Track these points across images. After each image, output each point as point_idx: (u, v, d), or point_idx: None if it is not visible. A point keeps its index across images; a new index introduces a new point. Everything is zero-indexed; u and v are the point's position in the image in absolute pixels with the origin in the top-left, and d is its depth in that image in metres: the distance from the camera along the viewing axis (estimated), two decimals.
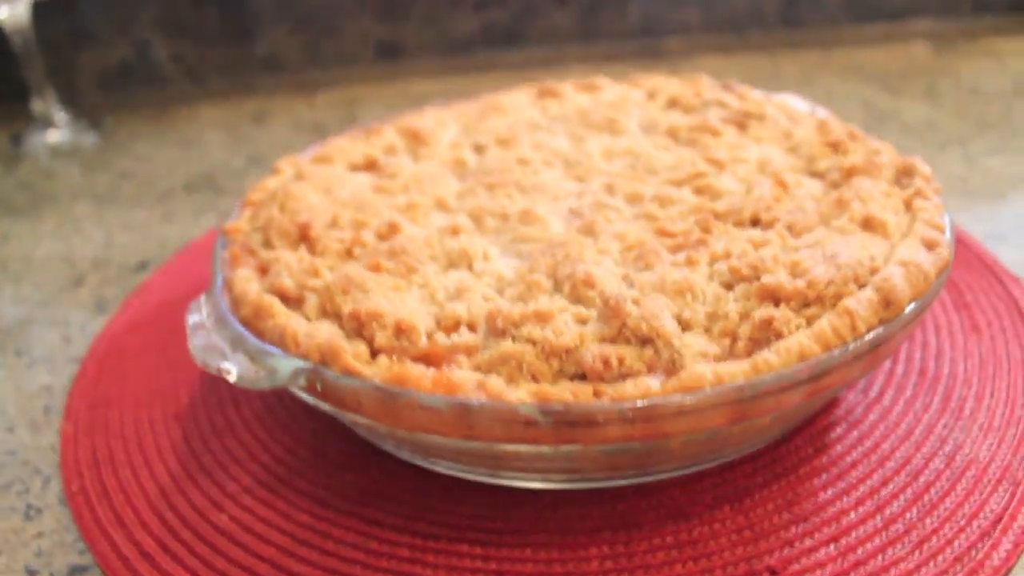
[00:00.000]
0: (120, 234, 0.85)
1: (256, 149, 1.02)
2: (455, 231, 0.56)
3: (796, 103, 0.75)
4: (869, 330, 0.46)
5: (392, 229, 0.57)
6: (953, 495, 0.49)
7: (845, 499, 0.49)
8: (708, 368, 0.44)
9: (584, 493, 0.50)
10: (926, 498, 0.49)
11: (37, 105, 1.07)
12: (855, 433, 0.54)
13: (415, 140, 0.71)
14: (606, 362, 0.44)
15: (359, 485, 0.52)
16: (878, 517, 0.48)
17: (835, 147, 0.63)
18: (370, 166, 0.68)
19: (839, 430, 0.54)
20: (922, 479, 0.50)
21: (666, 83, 0.79)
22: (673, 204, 0.58)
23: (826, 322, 0.46)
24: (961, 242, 0.70)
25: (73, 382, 0.63)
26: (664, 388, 0.43)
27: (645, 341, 0.45)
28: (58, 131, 1.07)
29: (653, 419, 0.42)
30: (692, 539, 0.47)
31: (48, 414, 0.61)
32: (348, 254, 0.55)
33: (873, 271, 0.48)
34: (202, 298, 0.53)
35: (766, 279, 0.48)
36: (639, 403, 0.42)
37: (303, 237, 0.57)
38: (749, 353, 0.45)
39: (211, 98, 1.16)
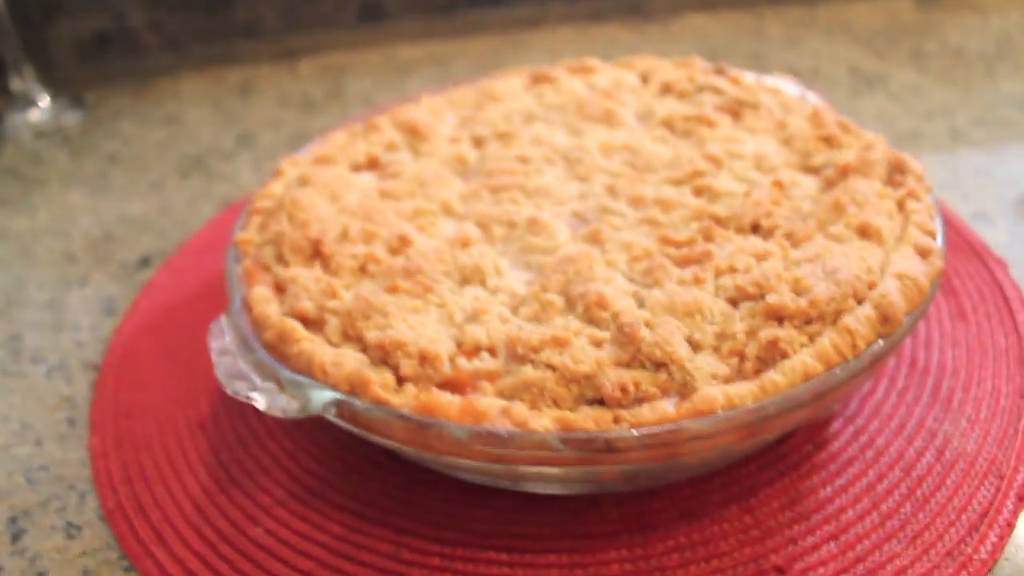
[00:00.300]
0: (117, 227, 0.85)
1: (244, 127, 1.02)
2: (465, 243, 0.58)
3: (788, 87, 0.76)
4: (868, 346, 0.49)
5: (403, 242, 0.58)
6: (944, 489, 0.52)
7: (844, 496, 0.53)
8: (719, 390, 0.47)
9: (601, 496, 0.54)
10: (919, 492, 0.52)
11: (15, 83, 1.05)
12: (851, 428, 0.57)
13: (414, 135, 0.71)
14: (624, 389, 0.46)
15: (387, 494, 0.55)
16: (875, 513, 0.51)
17: (828, 141, 0.65)
18: (372, 165, 0.69)
19: (836, 425, 0.57)
20: (914, 473, 0.54)
21: (659, 66, 0.80)
22: (675, 208, 0.60)
23: (828, 340, 0.48)
24: (948, 223, 0.72)
25: (93, 392, 0.65)
26: (679, 412, 0.46)
27: (659, 365, 0.48)
28: (39, 110, 1.06)
29: (670, 443, 0.45)
30: (704, 539, 0.51)
31: (73, 427, 0.62)
32: (363, 271, 0.57)
33: (871, 285, 0.51)
34: (223, 320, 0.54)
35: (771, 298, 0.50)
36: (657, 429, 0.45)
37: (316, 253, 0.58)
38: (757, 372, 0.48)
39: (192, 68, 1.15)
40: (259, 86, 1.11)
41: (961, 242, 0.71)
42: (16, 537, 0.54)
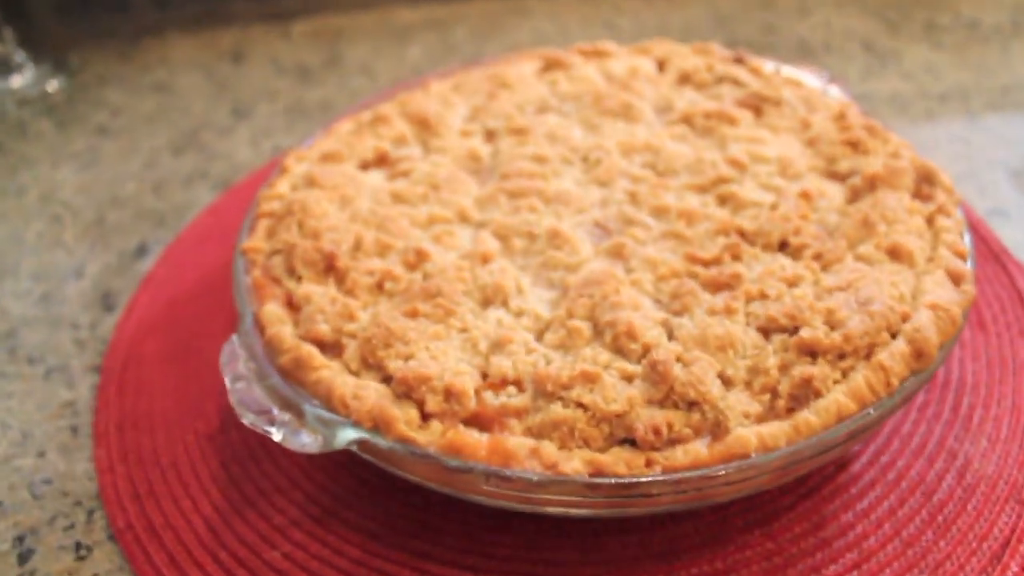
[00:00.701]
0: (111, 210, 0.82)
1: (238, 98, 0.98)
2: (485, 258, 0.56)
3: (809, 79, 0.74)
4: (902, 382, 0.48)
5: (420, 257, 0.56)
6: (965, 515, 0.52)
7: (866, 521, 0.52)
8: (752, 432, 0.46)
9: (625, 520, 0.53)
10: (940, 518, 0.52)
11: None
12: (872, 448, 0.56)
13: (424, 128, 0.69)
14: (657, 431, 0.45)
15: (406, 515, 0.54)
16: (897, 540, 0.51)
17: (855, 146, 0.63)
18: (381, 161, 0.67)
19: (857, 445, 0.57)
20: (936, 498, 0.53)
21: (676, 51, 0.77)
22: (699, 221, 0.58)
23: (861, 377, 0.48)
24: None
25: (96, 398, 0.63)
26: (712, 454, 0.45)
27: (692, 404, 0.47)
28: (21, 76, 1.01)
29: (703, 488, 0.45)
30: (727, 567, 0.51)
31: (76, 435, 0.61)
32: (379, 288, 0.55)
33: (904, 317, 0.50)
34: (235, 340, 0.52)
35: (804, 333, 0.49)
36: (691, 475, 0.44)
37: (330, 267, 0.56)
38: (790, 410, 0.47)
39: (181, 28, 1.10)
40: (252, 51, 1.06)
41: (979, 242, 0.70)
42: (24, 558, 0.53)
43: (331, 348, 0.52)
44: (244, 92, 0.99)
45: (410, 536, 0.53)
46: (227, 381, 0.50)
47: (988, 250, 0.70)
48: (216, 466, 0.58)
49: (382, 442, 0.47)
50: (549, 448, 0.46)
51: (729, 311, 0.51)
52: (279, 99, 0.97)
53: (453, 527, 0.53)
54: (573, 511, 0.46)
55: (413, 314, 0.52)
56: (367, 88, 0.98)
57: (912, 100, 0.91)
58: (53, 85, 1.01)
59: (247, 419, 0.48)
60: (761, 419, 0.47)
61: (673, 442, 0.46)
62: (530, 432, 0.47)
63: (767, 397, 0.48)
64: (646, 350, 0.49)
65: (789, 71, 0.75)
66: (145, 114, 0.96)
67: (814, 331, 0.49)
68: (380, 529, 0.53)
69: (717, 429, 0.46)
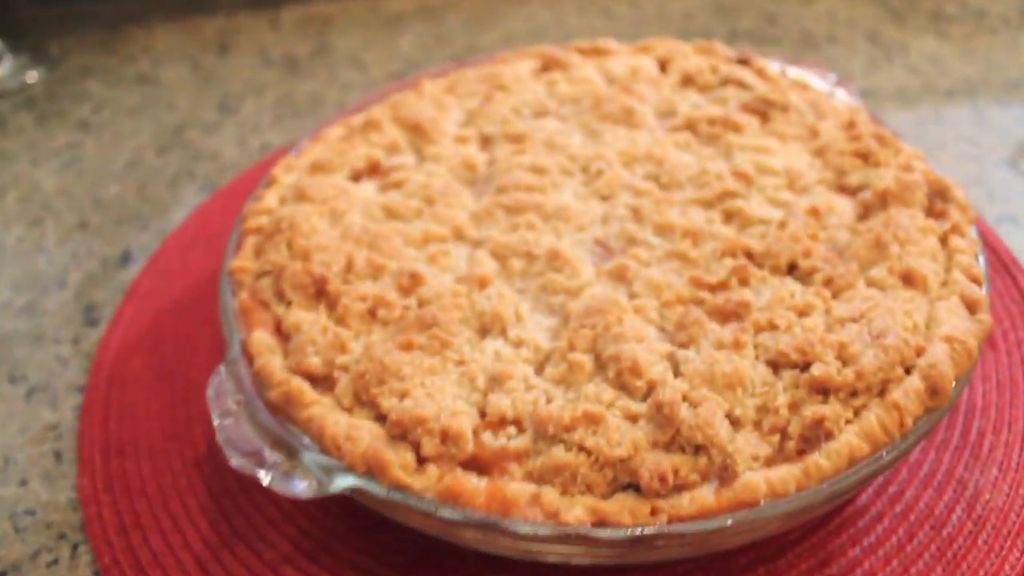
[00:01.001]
0: (94, 214, 0.79)
1: (224, 91, 0.95)
2: (482, 282, 0.54)
3: (816, 81, 0.71)
4: (916, 421, 0.46)
5: (415, 280, 0.54)
6: (975, 551, 0.51)
7: (874, 557, 0.51)
8: (761, 476, 0.44)
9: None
10: (949, 553, 0.51)
11: None
12: (879, 478, 0.55)
13: (417, 134, 0.66)
14: (663, 479, 0.43)
15: (401, 551, 0.52)
16: None
17: (865, 158, 0.61)
18: (373, 171, 0.64)
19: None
20: (945, 532, 0.52)
21: (678, 50, 0.74)
22: (705, 239, 0.56)
23: (874, 417, 0.46)
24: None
25: (79, 420, 0.61)
26: (719, 501, 0.43)
27: (699, 448, 0.45)
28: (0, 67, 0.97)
29: (710, 537, 0.43)
30: None
31: (60, 462, 0.59)
32: (372, 316, 0.53)
33: (918, 351, 0.48)
34: (222, 371, 0.50)
35: (815, 370, 0.47)
36: (697, 528, 0.42)
37: (320, 292, 0.54)
38: (800, 452, 0.45)
39: (165, 15, 1.06)
40: (238, 41, 1.03)
41: (990, 253, 0.68)
42: None
43: (322, 382, 0.50)
44: (230, 85, 0.96)
45: (406, 574, 0.51)
46: (214, 418, 0.48)
47: (999, 261, 0.68)
48: (205, 496, 0.56)
49: (377, 489, 0.45)
50: (550, 495, 0.44)
51: (738, 345, 0.49)
52: (267, 93, 0.94)
53: (451, 563, 0.51)
54: (575, 560, 0.45)
55: (408, 346, 0.50)
56: (357, 81, 0.95)
57: (919, 95, 0.89)
58: (33, 76, 0.97)
59: (235, 461, 0.46)
60: (770, 462, 0.45)
61: (679, 487, 0.44)
62: (531, 476, 0.45)
63: (776, 438, 0.46)
64: (651, 387, 0.47)
65: (795, 72, 0.72)
66: (128, 108, 0.93)
67: (826, 367, 0.47)
68: (375, 566, 0.52)
69: (725, 473, 0.44)
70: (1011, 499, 0.53)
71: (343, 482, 0.44)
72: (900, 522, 0.53)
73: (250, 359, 0.51)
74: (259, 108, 0.92)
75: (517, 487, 0.44)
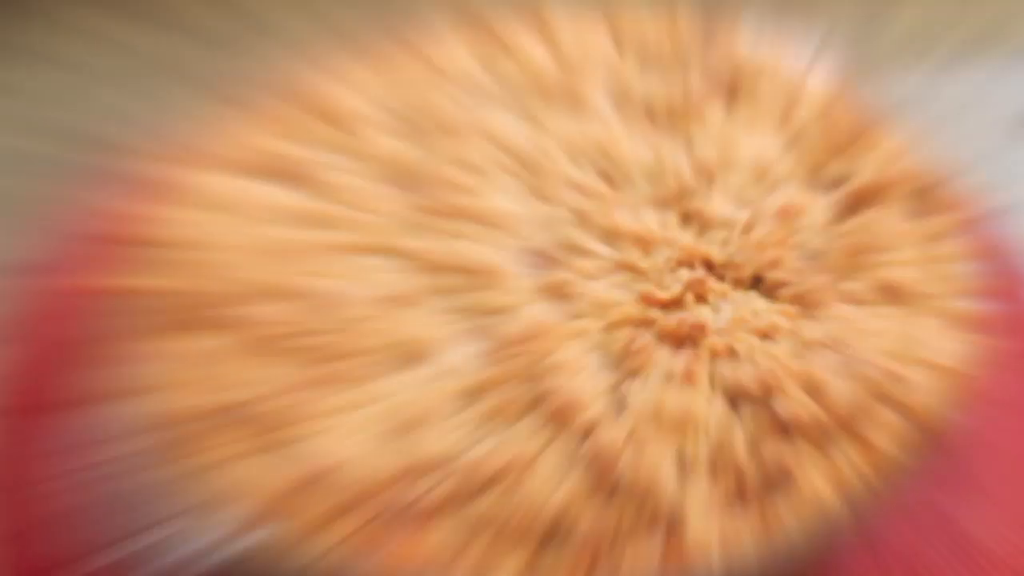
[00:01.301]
0: None
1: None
2: (402, 302, 0.47)
3: (794, 53, 0.64)
4: (893, 466, 0.40)
5: (325, 302, 0.47)
6: None
7: None
8: (714, 527, 0.39)
9: None
10: None
11: None
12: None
13: (334, 124, 0.58)
14: (601, 535, 0.38)
15: None
16: None
17: (844, 148, 0.54)
18: (281, 171, 0.56)
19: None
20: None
21: (637, 24, 0.67)
22: (658, 247, 0.49)
23: (846, 460, 0.40)
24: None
25: None
26: (665, 558, 0.38)
27: (644, 496, 0.39)
28: None
29: None
30: None
31: None
32: (276, 346, 0.46)
33: (899, 380, 0.42)
34: (90, 417, 0.44)
35: (778, 406, 0.41)
36: None
37: (214, 317, 0.47)
38: (759, 500, 0.40)
39: None
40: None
41: (991, 256, 0.61)
42: None
43: (218, 424, 0.43)
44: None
45: None
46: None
47: (1000, 259, 0.62)
48: None
49: (282, 545, 0.39)
50: (476, 550, 0.39)
51: (690, 378, 0.42)
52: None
53: None
54: None
55: (316, 382, 0.44)
56: (266, 53, 0.86)
57: (913, 61, 0.81)
58: None
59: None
60: (725, 510, 0.40)
61: (620, 541, 0.39)
62: (455, 530, 0.40)
63: (732, 483, 0.40)
64: (590, 429, 0.41)
65: (769, 47, 0.64)
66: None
67: (790, 402, 0.41)
68: None
69: (672, 524, 0.39)
70: (1003, 537, 0.48)
71: (244, 541, 0.39)
72: (872, 564, 0.47)
73: (128, 399, 0.44)
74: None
75: (438, 541, 0.39)
